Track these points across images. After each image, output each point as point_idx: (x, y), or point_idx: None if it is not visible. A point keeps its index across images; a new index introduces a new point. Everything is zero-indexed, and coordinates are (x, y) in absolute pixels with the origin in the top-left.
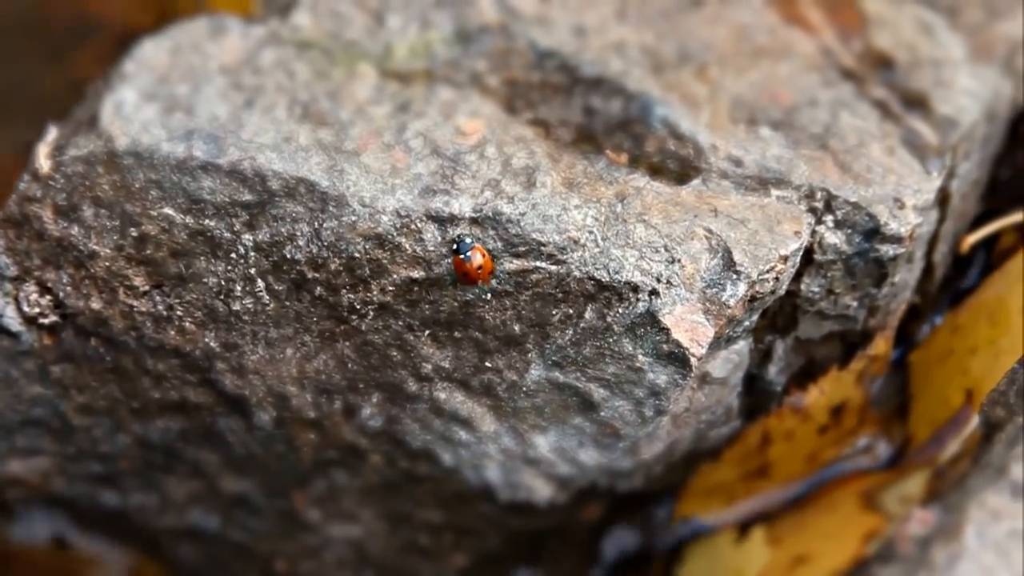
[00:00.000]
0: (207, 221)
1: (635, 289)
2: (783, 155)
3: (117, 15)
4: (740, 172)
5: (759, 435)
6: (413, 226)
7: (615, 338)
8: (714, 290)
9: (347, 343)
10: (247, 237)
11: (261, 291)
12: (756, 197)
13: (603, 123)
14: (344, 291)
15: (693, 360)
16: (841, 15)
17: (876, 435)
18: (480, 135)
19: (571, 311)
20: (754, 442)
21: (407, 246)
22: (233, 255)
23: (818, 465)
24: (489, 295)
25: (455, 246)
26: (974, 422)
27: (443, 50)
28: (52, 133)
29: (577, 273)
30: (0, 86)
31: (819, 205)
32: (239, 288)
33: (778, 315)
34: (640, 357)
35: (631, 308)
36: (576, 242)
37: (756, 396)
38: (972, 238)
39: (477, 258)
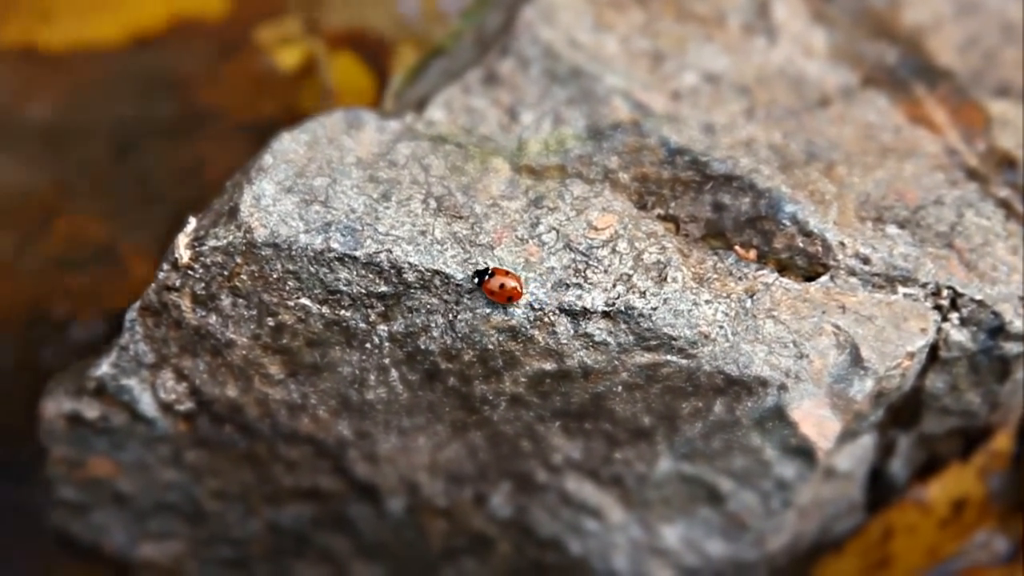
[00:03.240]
0: (343, 312)
1: (764, 384)
2: (910, 253)
3: (232, 106)
4: (868, 269)
5: (881, 528)
6: (546, 319)
7: (743, 431)
8: (841, 385)
9: (478, 433)
10: (382, 328)
11: (395, 381)
12: (883, 294)
13: (732, 219)
14: (477, 382)
15: (820, 454)
16: (965, 115)
17: (995, 530)
18: (612, 230)
19: (700, 404)
20: (876, 535)
21: (540, 339)
22: (368, 345)
23: (938, 559)
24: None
25: (476, 278)
26: None
27: (576, 146)
28: (191, 224)
29: (707, 367)
30: (118, 177)
31: (945, 303)
32: (373, 378)
33: (902, 410)
34: (768, 450)
35: (760, 402)
36: (707, 337)
37: (879, 489)
38: None
39: (507, 281)
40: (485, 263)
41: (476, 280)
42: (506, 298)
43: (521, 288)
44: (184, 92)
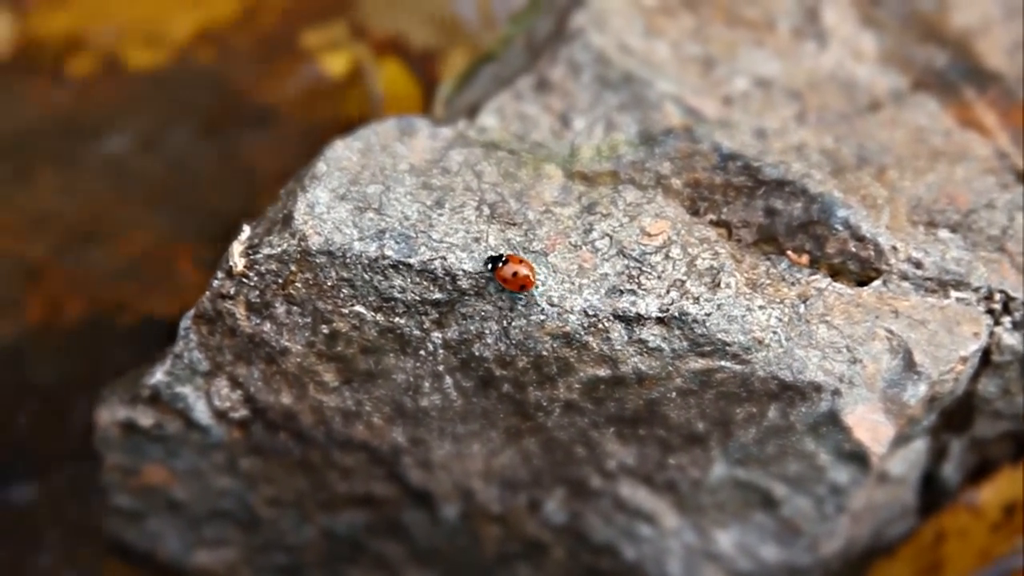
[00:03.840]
0: (397, 319)
1: (818, 389)
2: (962, 257)
3: (282, 112)
4: (920, 274)
5: (933, 532)
6: (600, 325)
7: (797, 436)
8: (895, 390)
9: (532, 439)
10: (436, 335)
11: (449, 388)
12: (936, 299)
13: (784, 224)
14: (531, 388)
15: (873, 459)
16: (1014, 118)
17: None
18: (665, 236)
19: (754, 410)
20: (928, 539)
21: (594, 345)
22: (422, 352)
23: (989, 562)
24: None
25: (490, 264)
26: None
27: (628, 152)
28: (246, 232)
29: (761, 373)
30: (169, 183)
31: (997, 307)
32: (427, 384)
33: (954, 414)
34: (822, 455)
35: (814, 407)
36: (760, 342)
37: (931, 494)
38: None
39: (520, 269)
40: (498, 250)
41: (489, 267)
42: (519, 286)
43: (533, 276)
44: (235, 98)
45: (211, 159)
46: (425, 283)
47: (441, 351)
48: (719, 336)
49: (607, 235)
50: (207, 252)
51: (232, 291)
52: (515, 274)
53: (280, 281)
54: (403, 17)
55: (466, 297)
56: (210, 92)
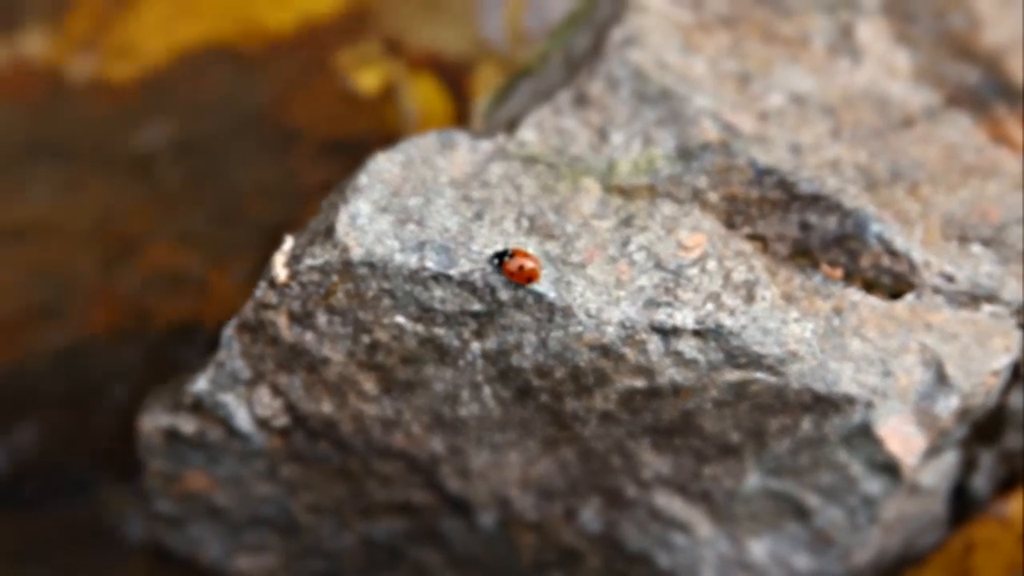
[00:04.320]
0: (437, 329)
1: (851, 401)
2: (994, 272)
3: (316, 126)
4: (952, 288)
5: (963, 543)
6: (637, 337)
7: (830, 448)
8: (927, 403)
9: (569, 448)
10: (475, 345)
11: (487, 397)
12: (968, 312)
13: (819, 238)
14: (568, 399)
15: (906, 470)
16: None
17: None
18: (701, 249)
19: (788, 421)
20: (958, 550)
21: (631, 356)
22: (461, 362)
23: (1018, 573)
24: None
25: (496, 259)
26: None
27: (665, 166)
28: (289, 243)
29: (795, 385)
30: (204, 195)
31: None
32: (466, 394)
33: (985, 426)
34: (854, 466)
35: (847, 419)
36: (795, 355)
37: (961, 505)
38: None
39: (526, 262)
40: (505, 245)
41: (496, 261)
42: (526, 279)
43: (539, 269)
44: (269, 113)
45: (246, 172)
46: (465, 294)
47: (480, 361)
48: (754, 348)
49: (644, 248)
50: (239, 263)
51: (275, 301)
52: (521, 267)
53: (322, 291)
54: (435, 33)
55: (505, 308)
56: (245, 106)
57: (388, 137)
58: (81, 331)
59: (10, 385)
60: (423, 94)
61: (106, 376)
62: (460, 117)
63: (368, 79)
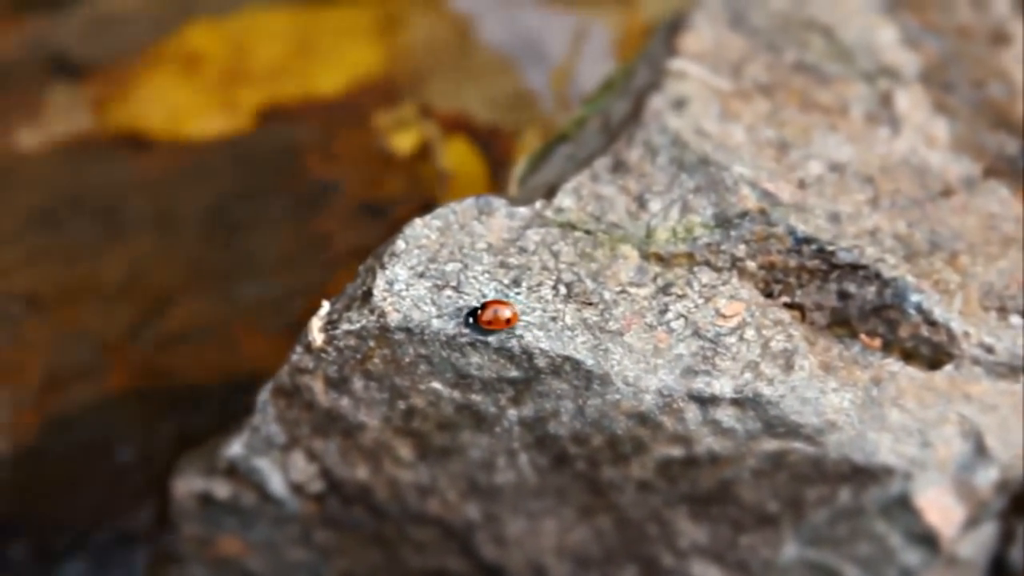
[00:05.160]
0: (474, 396)
1: (890, 472)
2: None
3: (351, 187)
4: (991, 359)
5: None
6: (675, 405)
7: (868, 518)
8: (966, 474)
9: (605, 516)
10: (512, 412)
11: (524, 464)
12: (1007, 384)
13: (858, 308)
14: (605, 466)
15: (944, 542)
16: None
17: None
18: (740, 318)
19: (826, 491)
20: None
21: (668, 425)
22: (498, 429)
23: None
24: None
25: (470, 318)
26: None
27: (704, 234)
28: (325, 307)
29: (834, 455)
30: (246, 247)
31: None
32: (502, 461)
33: (1022, 497)
34: (893, 537)
35: (885, 490)
36: (833, 425)
37: None
38: None
39: (501, 310)
40: (473, 303)
41: (471, 319)
42: (505, 322)
43: (517, 314)
44: (302, 172)
45: (279, 232)
46: (502, 361)
47: (516, 428)
48: (793, 418)
49: (682, 316)
50: (264, 322)
51: (311, 366)
52: (496, 315)
53: (358, 357)
54: (469, 96)
55: (542, 375)
56: (279, 167)
57: (423, 200)
58: (109, 390)
59: (40, 446)
60: (456, 156)
61: (123, 436)
62: (494, 179)
63: (403, 141)
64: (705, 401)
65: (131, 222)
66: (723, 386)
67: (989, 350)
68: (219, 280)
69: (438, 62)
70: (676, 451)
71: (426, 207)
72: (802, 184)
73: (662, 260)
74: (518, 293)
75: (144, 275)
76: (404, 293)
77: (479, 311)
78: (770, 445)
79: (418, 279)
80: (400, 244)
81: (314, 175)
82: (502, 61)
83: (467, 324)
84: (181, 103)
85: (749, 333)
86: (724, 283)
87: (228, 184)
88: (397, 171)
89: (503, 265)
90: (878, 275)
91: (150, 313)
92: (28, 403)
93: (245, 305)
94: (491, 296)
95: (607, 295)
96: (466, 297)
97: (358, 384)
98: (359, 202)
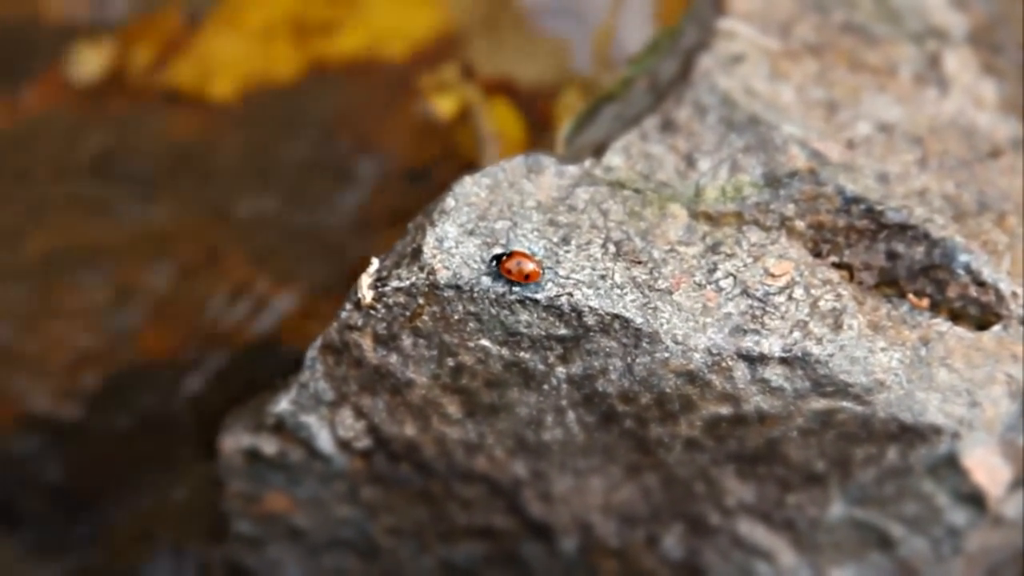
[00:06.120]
0: (522, 353)
1: (938, 431)
2: None
3: (394, 149)
4: None
5: None
6: (724, 364)
7: (916, 478)
8: (1013, 434)
9: (653, 475)
10: (560, 370)
11: (571, 422)
12: None
13: (906, 268)
14: (653, 425)
15: (991, 501)
16: None
17: None
18: (788, 277)
19: (874, 450)
20: None
21: (717, 383)
22: (546, 387)
23: None
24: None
25: (495, 260)
26: None
27: (753, 193)
28: (375, 265)
29: (882, 414)
30: (284, 211)
31: None
32: (550, 419)
33: None
34: (940, 497)
35: (933, 449)
36: (882, 384)
37: None
38: None
39: (525, 263)
40: (504, 248)
41: (494, 263)
42: (523, 277)
43: (540, 270)
44: (345, 135)
45: (322, 193)
46: (551, 319)
47: (564, 386)
48: (841, 377)
49: (731, 275)
50: (312, 283)
51: (359, 323)
52: (519, 267)
53: (407, 314)
54: (510, 58)
55: (591, 333)
56: (322, 129)
57: (466, 161)
58: (153, 351)
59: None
60: (498, 118)
61: (179, 396)
62: (536, 140)
63: (445, 103)
64: (754, 360)
65: (171, 178)
66: (772, 345)
67: None
68: (264, 240)
69: (480, 24)
70: (724, 409)
71: (466, 170)
72: (851, 144)
73: (711, 219)
74: (567, 251)
75: (189, 233)
76: (454, 250)
77: (504, 257)
78: (818, 404)
79: (467, 236)
80: (450, 201)
81: (355, 137)
82: (543, 22)
83: (488, 266)
84: (228, 57)
85: (798, 292)
86: (773, 242)
87: (270, 143)
88: (437, 135)
89: (552, 223)
90: (927, 235)
91: (194, 272)
92: (74, 370)
93: (290, 266)
94: (540, 255)
95: (656, 254)
96: None
97: (407, 341)
98: (400, 165)
